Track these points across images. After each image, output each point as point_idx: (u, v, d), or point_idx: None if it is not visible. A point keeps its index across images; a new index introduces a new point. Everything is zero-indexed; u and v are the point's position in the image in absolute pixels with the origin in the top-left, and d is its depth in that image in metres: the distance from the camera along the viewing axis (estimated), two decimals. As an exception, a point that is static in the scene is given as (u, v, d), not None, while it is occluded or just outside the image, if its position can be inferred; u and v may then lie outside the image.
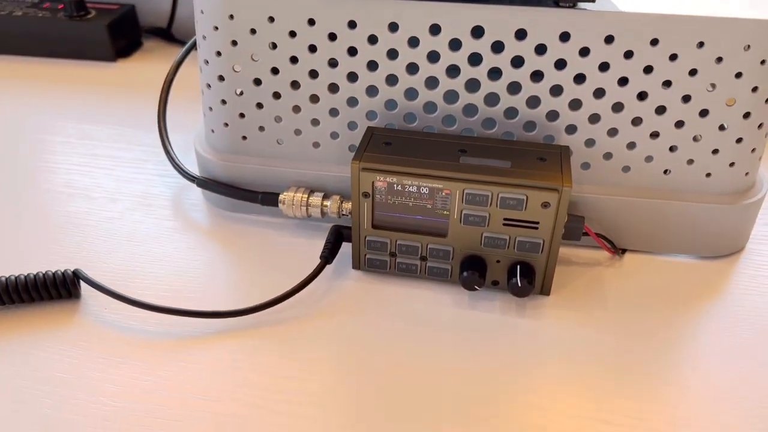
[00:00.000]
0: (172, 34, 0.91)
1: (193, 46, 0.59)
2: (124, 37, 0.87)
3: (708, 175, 0.50)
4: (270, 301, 0.46)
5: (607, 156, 0.50)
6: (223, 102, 0.53)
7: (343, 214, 0.52)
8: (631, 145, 0.49)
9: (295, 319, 0.47)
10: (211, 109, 0.54)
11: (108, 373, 0.42)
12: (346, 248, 0.51)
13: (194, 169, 0.58)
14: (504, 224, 0.46)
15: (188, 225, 0.56)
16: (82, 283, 0.48)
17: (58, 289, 0.47)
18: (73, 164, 0.63)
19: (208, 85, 0.53)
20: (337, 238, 0.51)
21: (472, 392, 0.41)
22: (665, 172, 0.50)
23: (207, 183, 0.56)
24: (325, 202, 0.52)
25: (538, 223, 0.45)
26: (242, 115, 0.53)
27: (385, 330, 0.46)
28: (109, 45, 0.84)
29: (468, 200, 0.45)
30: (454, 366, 0.43)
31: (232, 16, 0.49)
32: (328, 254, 0.49)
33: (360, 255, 0.50)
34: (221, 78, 0.52)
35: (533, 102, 0.48)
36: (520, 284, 0.46)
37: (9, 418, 0.39)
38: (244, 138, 0.54)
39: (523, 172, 0.45)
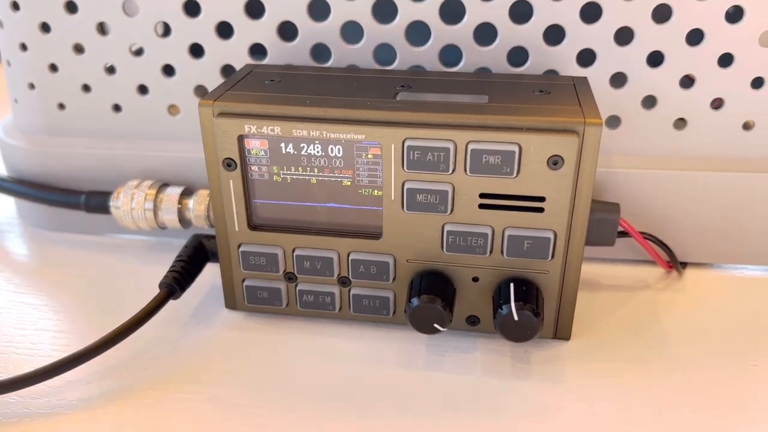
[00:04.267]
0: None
1: None
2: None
3: (817, 128, 0.30)
4: (43, 369, 0.25)
5: (649, 102, 0.30)
6: (24, 47, 0.33)
7: (218, 221, 0.31)
8: (688, 81, 0.30)
9: (115, 397, 0.25)
10: (9, 63, 0.34)
11: None
12: (215, 272, 0.30)
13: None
14: (481, 206, 0.25)
15: (-20, 254, 0.35)
16: None
17: None
18: None
19: (1, 24, 0.33)
20: (197, 253, 0.30)
21: None
22: (745, 126, 0.30)
23: (3, 183, 0.35)
24: (185, 201, 0.31)
25: (543, 199, 0.24)
26: (54, 68, 0.33)
27: (277, 416, 0.24)
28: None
29: (413, 161, 0.24)
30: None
31: None
32: (173, 280, 0.28)
33: (233, 283, 0.29)
34: (15, 6, 0.32)
35: (521, 11, 0.29)
36: (516, 316, 0.25)
37: None
38: (62, 107, 0.34)
39: (510, 107, 0.24)
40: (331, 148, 0.25)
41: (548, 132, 0.23)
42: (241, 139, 0.25)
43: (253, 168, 0.26)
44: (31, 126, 0.35)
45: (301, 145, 0.25)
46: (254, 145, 0.26)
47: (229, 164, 0.26)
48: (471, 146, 0.24)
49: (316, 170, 0.26)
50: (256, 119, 0.25)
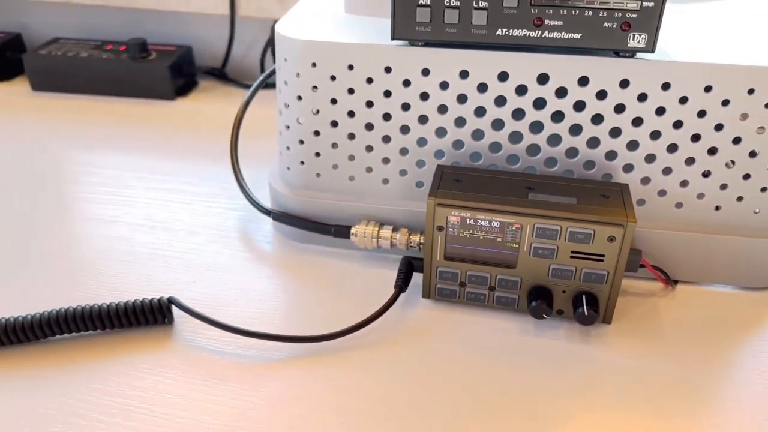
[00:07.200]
0: (226, 74, 0.96)
1: (259, 86, 0.64)
2: (181, 77, 0.92)
3: (756, 212, 0.53)
4: (352, 327, 0.50)
5: (662, 193, 0.54)
6: (301, 142, 0.57)
7: (411, 246, 0.56)
8: (684, 183, 0.53)
9: (373, 344, 0.50)
10: (288, 148, 0.58)
11: (209, 394, 0.46)
12: (415, 278, 0.55)
13: (265, 204, 0.62)
14: (572, 257, 0.49)
15: (263, 256, 0.60)
16: (175, 310, 0.51)
17: (155, 315, 0.50)
18: (149, 198, 0.68)
19: (287, 127, 0.57)
20: (408, 268, 0.54)
21: (539, 413, 0.44)
22: (716, 208, 0.54)
23: (282, 217, 0.60)
24: (394, 235, 0.56)
25: (603, 255, 0.48)
26: (318, 154, 0.57)
27: (455, 355, 0.49)
28: (170, 84, 0.89)
29: (538, 234, 0.49)
30: (520, 389, 0.46)
31: (314, 64, 0.53)
32: (402, 284, 0.53)
33: (431, 285, 0.53)
34: (298, 121, 0.56)
35: (593, 143, 0.52)
36: (586, 313, 0.49)
37: (121, 434, 0.43)
38: (318, 175, 0.58)
39: (589, 208, 0.48)
40: (493, 223, 0.49)
41: (608, 225, 0.47)
42: (447, 217, 0.50)
43: (450, 230, 0.50)
44: (296, 183, 0.60)
45: (477, 220, 0.49)
46: (453, 220, 0.50)
47: (439, 228, 0.50)
48: (569, 229, 0.48)
49: (483, 232, 0.50)
50: (456, 208, 0.49)
